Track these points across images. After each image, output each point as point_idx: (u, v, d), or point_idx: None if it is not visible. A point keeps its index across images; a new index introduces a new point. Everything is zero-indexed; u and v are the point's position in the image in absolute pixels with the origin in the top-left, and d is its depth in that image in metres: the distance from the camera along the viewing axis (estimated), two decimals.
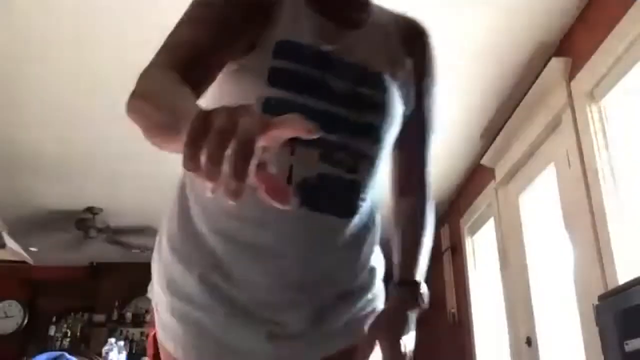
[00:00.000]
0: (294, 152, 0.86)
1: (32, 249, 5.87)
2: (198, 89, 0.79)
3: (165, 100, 0.67)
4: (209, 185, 0.45)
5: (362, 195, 0.93)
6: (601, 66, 2.21)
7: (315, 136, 0.47)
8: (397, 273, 0.98)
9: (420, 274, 0.97)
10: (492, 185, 3.59)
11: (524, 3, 2.34)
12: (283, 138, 0.49)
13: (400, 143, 1.02)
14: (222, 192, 0.45)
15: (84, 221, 4.87)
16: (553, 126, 2.70)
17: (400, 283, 0.96)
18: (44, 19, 2.45)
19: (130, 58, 2.69)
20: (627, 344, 1.62)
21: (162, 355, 0.96)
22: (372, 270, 0.99)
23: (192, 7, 0.90)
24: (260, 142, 0.46)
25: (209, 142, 0.44)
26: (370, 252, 0.99)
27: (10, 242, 5.20)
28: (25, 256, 6.02)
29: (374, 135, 0.94)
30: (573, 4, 2.35)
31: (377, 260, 1.02)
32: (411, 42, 1.04)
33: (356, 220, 0.93)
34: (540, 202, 3.03)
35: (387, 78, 0.96)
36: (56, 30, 2.53)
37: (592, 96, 2.34)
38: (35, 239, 5.54)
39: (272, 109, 0.85)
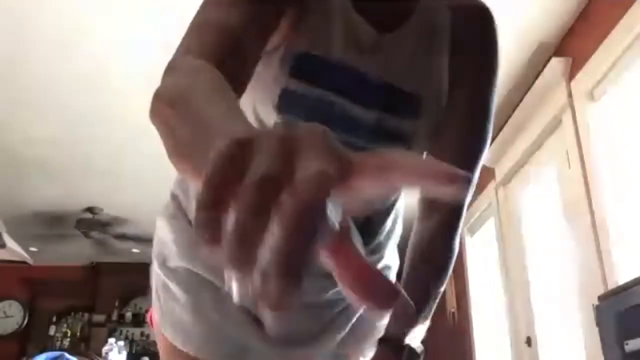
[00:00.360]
0: None
1: (32, 249, 5.87)
2: (235, 85, 0.62)
3: (196, 108, 0.46)
4: (234, 282, 0.26)
5: (374, 237, 0.86)
6: (601, 66, 2.21)
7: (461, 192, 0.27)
8: (389, 324, 0.81)
9: (418, 336, 0.81)
10: (492, 185, 3.59)
11: (524, 3, 2.34)
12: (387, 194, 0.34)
13: (439, 148, 0.84)
14: (255, 296, 0.25)
15: (84, 221, 4.87)
16: (553, 126, 2.70)
17: (386, 340, 0.79)
18: (41, 17, 2.45)
19: (130, 58, 2.70)
20: (627, 344, 1.62)
21: (163, 349, 0.92)
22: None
23: None
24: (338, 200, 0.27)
25: (240, 199, 0.25)
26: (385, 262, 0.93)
27: (10, 242, 5.20)
28: (25, 256, 6.01)
29: None
30: (573, 4, 2.35)
31: (392, 260, 0.96)
32: (466, 33, 0.86)
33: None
34: (540, 202, 3.03)
35: (424, 97, 0.82)
36: (53, 29, 2.53)
37: (592, 96, 2.34)
38: (35, 239, 5.54)
39: None
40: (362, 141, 0.79)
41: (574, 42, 2.48)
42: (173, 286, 0.88)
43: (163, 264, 0.91)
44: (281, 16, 0.73)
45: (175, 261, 0.88)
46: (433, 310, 0.83)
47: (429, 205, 0.86)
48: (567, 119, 2.50)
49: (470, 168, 0.84)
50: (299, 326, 0.86)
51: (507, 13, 2.38)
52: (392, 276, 0.94)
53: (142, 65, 2.71)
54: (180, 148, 0.44)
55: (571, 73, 2.47)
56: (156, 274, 0.93)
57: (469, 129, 0.86)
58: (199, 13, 0.71)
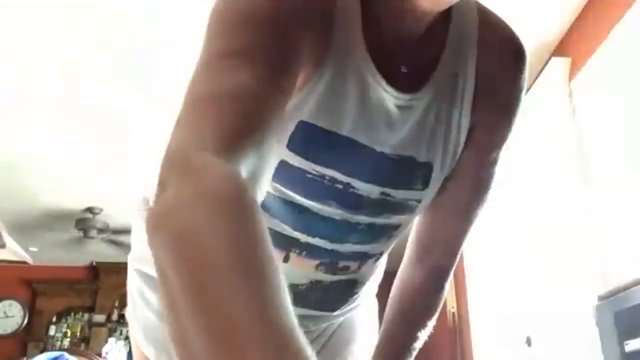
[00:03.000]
0: (287, 260, 0.72)
1: (32, 249, 5.87)
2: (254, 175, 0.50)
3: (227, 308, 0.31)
4: None
5: (359, 286, 0.82)
6: (601, 66, 2.21)
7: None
8: None
9: None
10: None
11: (524, 3, 2.34)
12: None
13: (440, 203, 0.78)
14: None
15: (84, 221, 4.87)
16: (553, 126, 2.70)
17: None
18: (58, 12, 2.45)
19: (131, 59, 2.69)
20: (627, 344, 1.62)
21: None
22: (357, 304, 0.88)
23: (225, 34, 0.56)
24: None
25: None
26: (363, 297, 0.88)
27: (10, 242, 5.20)
28: (25, 256, 6.02)
29: (395, 234, 0.78)
30: (573, 4, 2.35)
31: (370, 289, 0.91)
32: (493, 81, 0.75)
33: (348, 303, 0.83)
34: (540, 202, 3.03)
35: (436, 165, 0.73)
36: (68, 26, 2.53)
37: (592, 96, 2.34)
38: (35, 239, 5.54)
39: (272, 206, 0.69)
40: (363, 214, 0.72)
41: (574, 42, 2.48)
42: (149, 293, 0.84)
43: (140, 268, 0.87)
44: (296, 79, 0.60)
45: (153, 272, 0.84)
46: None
47: (421, 251, 0.82)
48: (567, 119, 2.50)
49: (465, 229, 0.81)
50: None
51: (507, 13, 2.38)
52: (362, 308, 0.91)
53: (143, 68, 2.71)
54: (180, 343, 0.33)
55: (571, 73, 2.47)
56: (132, 276, 0.89)
57: (472, 197, 0.80)
58: (198, 81, 0.54)
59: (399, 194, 0.72)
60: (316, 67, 0.63)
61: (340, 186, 0.69)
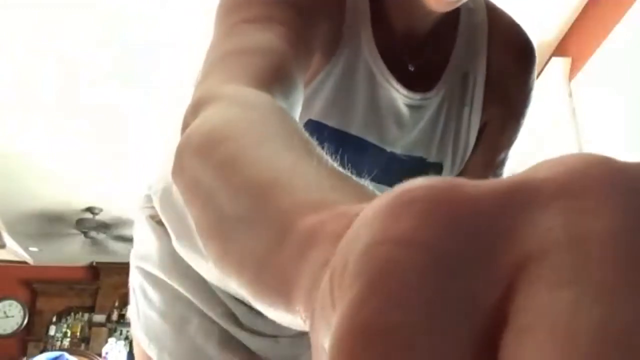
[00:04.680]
0: None
1: (32, 249, 5.87)
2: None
3: (262, 171, 0.27)
4: None
5: None
6: (601, 66, 2.21)
7: None
8: None
9: None
10: None
11: (524, 3, 2.34)
12: None
13: None
14: None
15: (84, 221, 4.87)
16: (553, 126, 2.70)
17: None
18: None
19: (130, 59, 2.69)
20: None
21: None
22: None
23: (244, 7, 0.55)
24: None
25: None
26: None
27: (10, 242, 5.20)
28: (25, 256, 6.02)
29: None
30: (573, 3, 2.35)
31: None
32: (501, 85, 0.74)
33: None
34: None
35: (446, 165, 0.73)
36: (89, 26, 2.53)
37: (592, 96, 2.34)
38: (35, 239, 5.54)
39: None
40: None
41: (574, 42, 2.48)
42: (151, 291, 0.84)
43: (142, 266, 0.86)
44: (311, 59, 0.57)
45: (157, 271, 0.83)
46: None
47: None
48: (567, 119, 2.50)
49: None
50: (284, 350, 0.83)
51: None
52: None
53: (144, 67, 2.71)
54: (227, 231, 0.26)
55: (571, 73, 2.47)
56: (134, 273, 0.88)
57: None
58: (218, 45, 0.51)
59: None
60: (326, 60, 0.62)
61: None
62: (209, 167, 0.30)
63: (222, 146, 0.31)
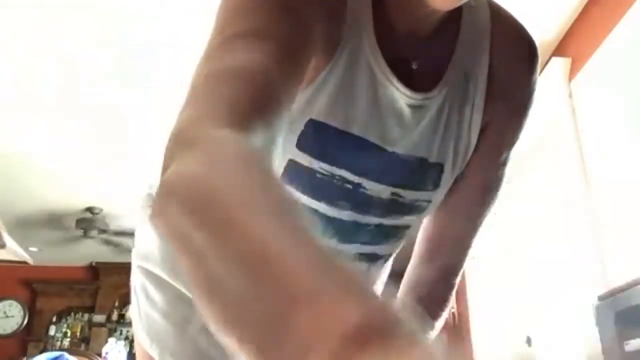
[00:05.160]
0: None
1: (32, 249, 5.87)
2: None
3: (253, 240, 0.29)
4: None
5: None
6: (601, 66, 2.21)
7: None
8: None
9: None
10: None
11: (524, 3, 2.34)
12: None
13: (450, 202, 0.77)
14: None
15: (84, 221, 4.87)
16: (553, 126, 2.70)
17: None
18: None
19: (130, 59, 2.69)
20: (627, 344, 1.62)
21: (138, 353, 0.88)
22: None
23: (236, 18, 0.54)
24: None
25: None
26: None
27: (10, 242, 5.20)
28: (25, 256, 6.02)
29: (404, 235, 0.78)
30: (573, 4, 2.35)
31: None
32: (504, 79, 0.73)
33: None
34: (540, 202, 3.03)
35: (447, 165, 0.72)
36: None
37: (592, 96, 2.34)
38: (35, 239, 5.54)
39: None
40: (372, 215, 0.71)
41: (574, 42, 2.48)
42: (153, 291, 0.83)
43: (144, 266, 0.86)
44: (308, 64, 0.57)
45: (159, 271, 0.83)
46: None
47: (431, 251, 0.80)
48: (567, 119, 2.50)
49: (474, 229, 0.80)
50: None
51: None
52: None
53: (144, 67, 2.71)
54: (225, 303, 0.28)
55: (571, 73, 2.47)
56: (136, 272, 0.88)
57: (481, 203, 0.79)
58: (207, 61, 0.51)
59: (409, 195, 0.71)
60: (327, 59, 0.62)
61: (350, 186, 0.68)
62: (198, 228, 0.32)
63: (211, 209, 0.32)
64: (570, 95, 2.47)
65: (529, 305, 3.07)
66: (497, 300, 3.52)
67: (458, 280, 0.82)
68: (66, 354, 2.85)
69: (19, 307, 6.25)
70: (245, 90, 0.46)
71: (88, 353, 3.88)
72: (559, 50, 2.59)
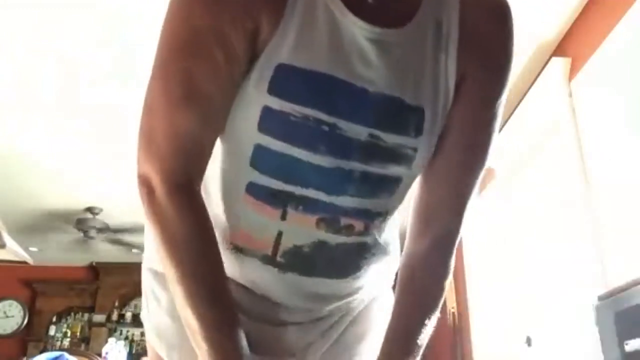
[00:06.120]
0: (285, 217, 0.72)
1: (32, 249, 5.87)
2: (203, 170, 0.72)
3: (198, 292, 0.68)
4: None
5: (370, 253, 0.80)
6: (601, 66, 2.21)
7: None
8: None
9: None
10: (492, 184, 3.59)
11: (524, 3, 2.34)
12: None
13: (436, 165, 0.77)
14: None
15: (84, 221, 4.87)
16: (553, 126, 2.70)
17: None
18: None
19: (130, 59, 2.69)
20: (627, 344, 1.62)
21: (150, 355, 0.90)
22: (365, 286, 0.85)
23: (170, 60, 0.75)
24: None
25: None
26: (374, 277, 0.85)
27: (10, 242, 5.20)
28: (25, 256, 6.02)
29: (396, 189, 0.76)
30: (573, 4, 2.35)
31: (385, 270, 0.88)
32: (476, 33, 0.75)
33: (361, 273, 0.80)
34: (540, 202, 3.03)
35: (427, 111, 0.73)
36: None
37: (592, 96, 2.34)
38: (35, 239, 5.54)
39: (260, 161, 0.70)
40: (354, 160, 0.71)
41: (574, 42, 2.48)
42: (159, 291, 0.85)
43: (152, 267, 0.87)
44: (248, 39, 0.66)
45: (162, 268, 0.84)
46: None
47: (421, 222, 0.80)
48: (567, 119, 2.50)
49: (465, 192, 0.80)
50: (293, 340, 0.82)
51: None
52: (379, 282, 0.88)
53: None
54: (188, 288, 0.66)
55: (571, 73, 2.47)
56: (146, 276, 0.89)
57: (468, 165, 0.79)
58: (150, 111, 0.75)
59: (389, 139, 0.71)
60: (280, 14, 0.66)
61: (326, 128, 0.68)
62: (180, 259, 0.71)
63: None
64: (570, 95, 2.47)
65: (529, 305, 3.07)
66: (497, 300, 3.52)
67: (454, 248, 0.81)
68: (66, 354, 2.85)
69: (19, 307, 6.26)
70: (184, 151, 0.69)
71: (88, 353, 3.88)
72: (559, 50, 2.59)
